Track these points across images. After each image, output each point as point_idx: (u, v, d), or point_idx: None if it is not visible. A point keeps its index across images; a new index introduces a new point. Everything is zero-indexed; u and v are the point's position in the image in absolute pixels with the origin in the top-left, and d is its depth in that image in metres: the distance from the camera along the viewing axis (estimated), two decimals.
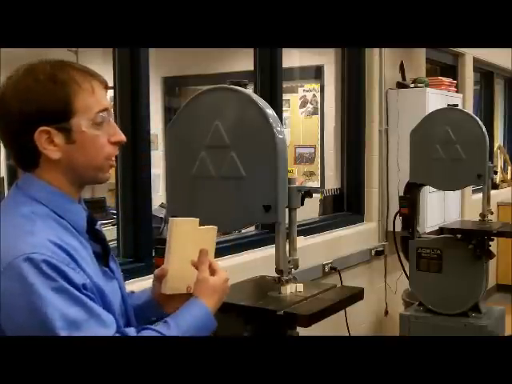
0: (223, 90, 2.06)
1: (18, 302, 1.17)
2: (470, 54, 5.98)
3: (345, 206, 4.59)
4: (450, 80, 5.24)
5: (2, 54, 3.14)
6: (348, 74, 4.53)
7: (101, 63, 4.29)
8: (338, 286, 2.31)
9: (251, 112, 1.99)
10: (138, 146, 2.80)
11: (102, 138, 1.33)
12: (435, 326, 3.89)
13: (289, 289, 2.08)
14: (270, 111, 1.99)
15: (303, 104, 6.27)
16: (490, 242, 3.92)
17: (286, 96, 5.43)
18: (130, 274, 2.54)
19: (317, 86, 6.15)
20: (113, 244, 2.91)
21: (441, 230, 4.13)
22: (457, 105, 4.18)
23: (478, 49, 5.74)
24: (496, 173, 5.82)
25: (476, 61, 6.18)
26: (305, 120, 6.29)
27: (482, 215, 4.01)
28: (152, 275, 1.55)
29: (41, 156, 1.30)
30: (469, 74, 6.04)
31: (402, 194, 4.17)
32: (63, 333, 1.16)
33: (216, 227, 1.55)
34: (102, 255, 1.39)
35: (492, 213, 4.08)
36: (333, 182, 4.87)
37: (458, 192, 5.12)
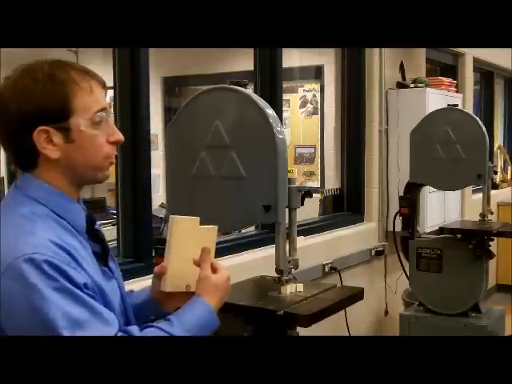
0: (223, 90, 2.06)
1: (20, 302, 1.17)
2: (470, 54, 5.98)
3: (345, 206, 4.59)
4: (450, 80, 5.24)
5: (2, 53, 3.14)
6: (348, 74, 4.53)
7: (101, 63, 4.30)
8: (337, 285, 2.31)
9: (251, 112, 1.99)
10: (137, 146, 2.80)
11: (101, 138, 1.33)
12: (435, 325, 3.89)
13: (289, 289, 2.08)
14: (270, 111, 1.99)
15: (303, 104, 6.27)
16: (490, 242, 3.92)
17: (286, 96, 5.43)
18: (129, 274, 2.54)
19: (317, 86, 6.15)
20: (113, 244, 2.91)
21: (441, 230, 4.13)
22: (457, 105, 4.18)
23: (478, 49, 5.74)
24: (496, 173, 5.82)
25: (476, 61, 6.18)
26: (305, 120, 6.29)
27: (482, 215, 4.01)
28: (152, 275, 1.55)
29: (39, 156, 1.30)
30: (469, 74, 6.04)
31: (402, 193, 4.17)
32: (66, 332, 1.16)
33: (217, 227, 1.55)
34: (102, 255, 1.39)
35: (492, 213, 4.08)
36: (333, 182, 4.87)
37: (458, 192, 5.12)
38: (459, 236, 3.94)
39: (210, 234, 1.52)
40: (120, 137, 1.37)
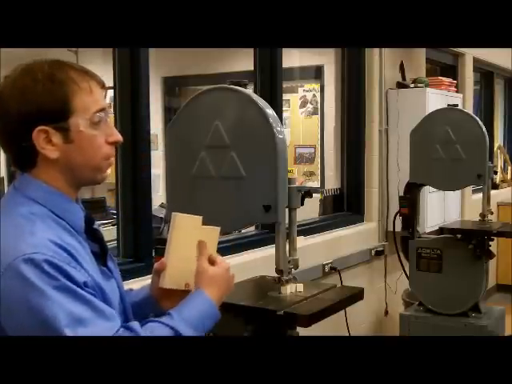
0: (223, 90, 2.06)
1: (20, 301, 1.17)
2: (470, 54, 5.98)
3: (345, 206, 4.59)
4: (450, 80, 5.25)
5: (2, 53, 3.15)
6: (348, 74, 4.53)
7: (101, 63, 4.31)
8: (337, 285, 2.31)
9: (251, 112, 1.99)
10: (138, 146, 2.80)
11: (100, 138, 1.33)
12: (435, 325, 3.89)
13: (289, 289, 2.08)
14: (270, 111, 1.99)
15: (303, 104, 6.27)
16: (490, 242, 3.93)
17: (286, 96, 5.43)
18: (129, 274, 2.54)
19: (317, 86, 6.15)
20: (113, 244, 2.91)
21: (441, 230, 4.13)
22: (457, 105, 4.18)
23: (478, 49, 5.74)
24: (496, 173, 5.82)
25: (476, 61, 6.18)
26: (305, 120, 6.29)
27: (482, 215, 4.01)
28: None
29: (38, 156, 1.30)
30: (469, 74, 6.04)
31: (402, 193, 4.17)
32: (67, 330, 1.16)
33: (219, 228, 1.55)
34: (100, 255, 1.39)
35: (492, 213, 4.08)
36: (333, 182, 4.87)
37: (458, 192, 5.12)
38: (459, 236, 3.94)
39: (212, 235, 1.52)
40: (119, 137, 1.37)
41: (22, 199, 1.30)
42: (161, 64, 5.78)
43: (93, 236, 1.39)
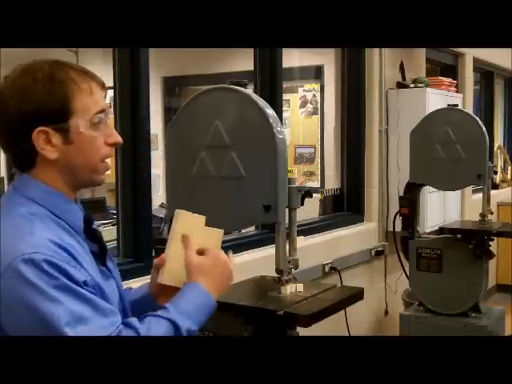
0: (223, 90, 2.06)
1: (20, 301, 1.17)
2: (470, 54, 5.98)
3: (345, 206, 4.59)
4: (450, 80, 5.24)
5: (1, 53, 3.15)
6: (348, 74, 4.53)
7: (101, 63, 4.31)
8: (337, 285, 2.31)
9: (251, 112, 1.99)
10: (138, 146, 2.80)
11: (99, 139, 1.33)
12: (435, 325, 3.89)
13: (289, 289, 2.08)
14: (270, 111, 1.99)
15: (303, 104, 6.27)
16: (490, 242, 3.92)
17: (286, 96, 5.43)
18: (129, 274, 2.54)
19: (317, 86, 6.15)
20: (113, 244, 2.91)
21: (441, 230, 4.13)
22: (457, 105, 4.18)
23: (478, 49, 5.74)
24: (496, 173, 5.82)
25: (476, 61, 6.18)
26: (305, 120, 6.29)
27: (482, 215, 4.01)
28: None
29: (38, 156, 1.30)
30: (469, 74, 6.04)
31: (402, 193, 4.17)
32: (68, 329, 1.16)
33: (223, 230, 1.54)
34: (100, 255, 1.39)
35: (492, 213, 4.08)
36: (333, 182, 4.87)
37: (458, 192, 5.12)
38: (459, 236, 3.94)
39: (215, 236, 1.51)
40: (118, 139, 1.37)
41: (21, 199, 1.30)
42: (161, 64, 5.77)
43: (92, 236, 1.38)
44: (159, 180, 4.03)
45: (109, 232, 3.73)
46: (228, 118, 2.03)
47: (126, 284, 1.68)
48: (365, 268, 4.40)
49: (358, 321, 3.89)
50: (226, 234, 1.61)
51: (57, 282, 1.18)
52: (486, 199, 3.98)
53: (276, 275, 2.10)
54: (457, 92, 5.32)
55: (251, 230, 3.60)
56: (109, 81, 2.33)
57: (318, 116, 6.16)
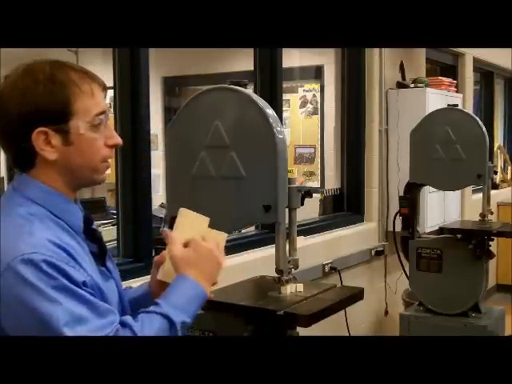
0: (223, 90, 2.06)
1: (19, 301, 1.17)
2: (470, 54, 5.98)
3: (345, 206, 4.59)
4: (450, 80, 5.24)
5: (1, 53, 3.15)
6: (348, 74, 4.53)
7: (101, 63, 4.31)
8: (337, 285, 2.31)
9: (251, 112, 1.99)
10: (138, 146, 2.80)
11: (99, 141, 1.33)
12: (435, 325, 3.89)
13: (289, 289, 2.08)
14: (270, 111, 1.99)
15: (303, 104, 6.27)
16: (490, 242, 3.92)
17: (286, 96, 5.43)
18: (129, 274, 2.54)
19: (317, 86, 6.15)
20: (113, 244, 2.91)
21: (441, 230, 4.12)
22: (457, 105, 4.18)
23: (478, 49, 5.74)
24: (496, 173, 5.82)
25: (476, 61, 6.18)
26: (305, 120, 6.29)
27: (482, 215, 4.01)
28: None
29: (37, 156, 1.30)
30: (469, 74, 6.04)
31: (402, 193, 4.17)
32: (66, 329, 1.16)
33: (226, 234, 1.54)
34: (99, 255, 1.39)
35: (492, 213, 4.08)
36: (333, 182, 4.87)
37: (458, 192, 5.12)
38: (459, 236, 3.94)
39: (217, 239, 1.51)
40: (118, 140, 1.37)
41: (20, 199, 1.30)
42: (161, 64, 5.77)
43: (91, 236, 1.39)
44: (159, 180, 4.04)
45: (109, 232, 3.73)
46: (228, 118, 2.03)
47: (126, 284, 1.68)
48: (365, 268, 4.40)
49: (358, 321, 3.89)
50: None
51: (56, 283, 1.18)
52: (486, 199, 3.98)
53: (276, 275, 2.10)
54: (457, 92, 5.32)
55: (251, 230, 3.60)
56: (109, 81, 2.33)
57: (318, 116, 6.16)
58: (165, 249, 1.48)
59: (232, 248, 3.21)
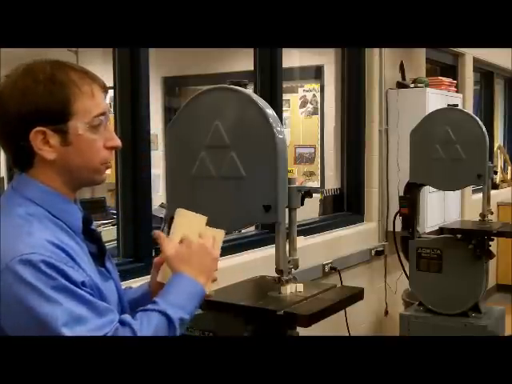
0: (223, 90, 2.06)
1: (18, 302, 1.17)
2: (470, 54, 5.98)
3: (345, 206, 4.59)
4: (450, 80, 5.24)
5: (1, 53, 3.15)
6: (348, 74, 4.53)
7: (101, 63, 4.31)
8: (337, 285, 2.31)
9: (251, 112, 1.99)
10: (138, 146, 2.80)
11: (99, 142, 1.33)
12: (435, 325, 3.89)
13: (289, 289, 2.08)
14: (270, 111, 1.99)
15: (303, 104, 6.27)
16: (490, 242, 3.92)
17: (286, 96, 5.43)
18: (129, 274, 2.54)
19: (317, 86, 6.15)
20: (113, 244, 2.91)
21: (441, 230, 4.12)
22: (457, 105, 4.18)
23: (478, 49, 5.74)
24: (496, 173, 5.82)
25: (476, 61, 6.18)
26: (305, 120, 6.29)
27: (482, 215, 4.01)
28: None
29: (36, 156, 1.30)
30: (469, 74, 6.04)
31: (402, 194, 4.17)
32: (65, 329, 1.16)
33: (224, 231, 1.54)
34: (98, 255, 1.39)
35: (492, 213, 4.08)
36: (333, 182, 4.87)
37: (458, 192, 5.12)
38: (459, 236, 3.94)
39: (215, 237, 1.51)
40: (118, 143, 1.37)
41: (19, 199, 1.29)
42: (161, 64, 5.77)
43: (91, 237, 1.38)
44: (159, 180, 4.04)
45: (109, 232, 3.72)
46: (228, 118, 2.03)
47: (126, 284, 1.68)
48: (365, 268, 4.40)
49: (358, 321, 3.89)
50: (226, 233, 1.60)
51: (54, 283, 1.18)
52: (486, 199, 3.98)
53: (276, 275, 2.10)
54: (457, 92, 5.32)
55: (251, 229, 3.60)
56: (109, 81, 2.33)
57: (318, 116, 6.16)
58: None
59: (232, 248, 3.21)
